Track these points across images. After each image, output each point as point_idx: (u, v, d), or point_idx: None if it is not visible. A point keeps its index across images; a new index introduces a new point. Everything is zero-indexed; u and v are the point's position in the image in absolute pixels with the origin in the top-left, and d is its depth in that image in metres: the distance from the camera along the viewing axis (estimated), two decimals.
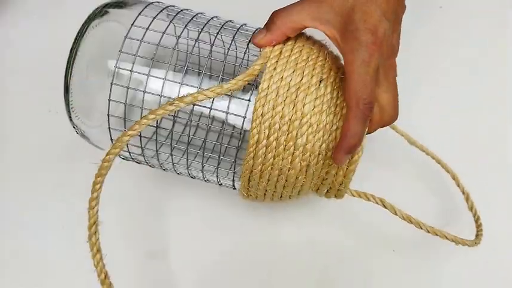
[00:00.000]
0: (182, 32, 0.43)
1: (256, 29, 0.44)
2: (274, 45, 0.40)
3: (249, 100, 0.40)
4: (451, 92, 0.58)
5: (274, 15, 0.40)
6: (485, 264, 0.52)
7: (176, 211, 0.54)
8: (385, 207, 0.42)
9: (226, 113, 0.40)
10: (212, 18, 0.45)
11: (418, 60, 0.56)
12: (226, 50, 0.43)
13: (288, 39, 0.41)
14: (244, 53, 0.42)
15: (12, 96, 0.59)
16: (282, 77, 0.38)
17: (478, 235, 0.46)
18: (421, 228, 0.42)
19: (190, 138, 0.43)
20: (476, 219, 0.47)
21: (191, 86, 0.41)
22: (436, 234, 0.42)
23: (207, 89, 0.38)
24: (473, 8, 0.61)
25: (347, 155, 0.38)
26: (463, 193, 0.49)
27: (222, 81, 0.41)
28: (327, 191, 0.43)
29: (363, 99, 0.36)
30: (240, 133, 0.40)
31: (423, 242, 0.52)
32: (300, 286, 0.51)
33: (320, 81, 0.38)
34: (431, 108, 0.57)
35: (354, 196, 0.43)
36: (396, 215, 0.42)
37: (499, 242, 0.52)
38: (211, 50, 0.42)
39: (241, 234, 0.53)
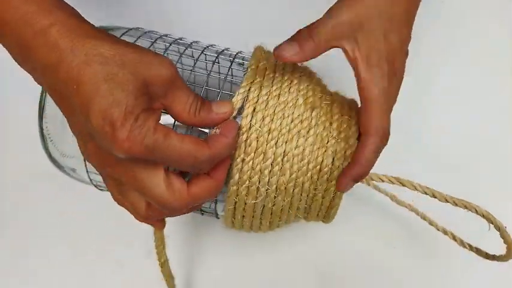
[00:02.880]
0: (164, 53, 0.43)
1: (238, 52, 0.45)
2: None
3: None
4: (454, 85, 0.58)
5: (308, 33, 0.36)
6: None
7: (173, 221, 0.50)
8: (403, 185, 0.38)
9: None
10: (192, 43, 0.45)
11: (420, 55, 0.54)
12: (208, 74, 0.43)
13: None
14: (226, 75, 0.42)
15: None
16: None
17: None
18: (447, 201, 0.37)
19: None
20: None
21: None
22: (466, 207, 0.37)
23: None
24: (476, 2, 0.60)
25: (353, 183, 0.36)
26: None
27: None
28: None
29: (384, 128, 0.35)
30: None
31: (423, 240, 0.52)
32: (301, 283, 0.51)
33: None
34: (433, 103, 0.57)
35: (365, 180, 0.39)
36: (416, 190, 0.37)
37: None
38: (194, 65, 0.42)
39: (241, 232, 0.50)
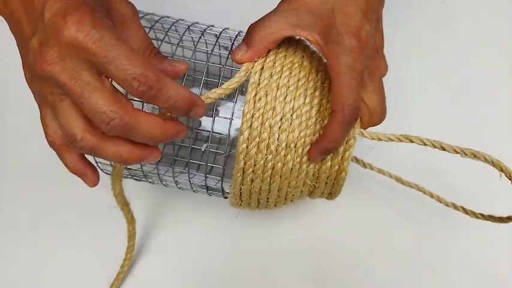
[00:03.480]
0: (164, 37, 0.44)
1: (239, 32, 0.46)
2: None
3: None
4: (454, 87, 0.58)
5: (252, 29, 0.38)
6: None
7: (174, 209, 0.53)
8: (412, 141, 0.38)
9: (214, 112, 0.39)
10: (193, 23, 0.46)
11: (419, 56, 0.56)
12: (209, 54, 0.44)
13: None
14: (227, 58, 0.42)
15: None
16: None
17: None
18: (456, 152, 0.37)
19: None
20: None
21: None
22: (475, 156, 0.37)
23: None
24: (475, 3, 0.61)
25: (322, 156, 0.37)
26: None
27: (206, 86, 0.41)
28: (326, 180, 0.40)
29: (349, 104, 0.34)
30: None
31: (423, 240, 0.52)
32: (299, 284, 0.50)
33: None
34: (432, 105, 0.57)
35: (372, 138, 0.39)
36: (425, 144, 0.37)
37: None
38: (194, 49, 0.42)
39: (240, 231, 0.52)
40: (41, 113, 0.33)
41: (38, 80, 0.31)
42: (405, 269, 0.51)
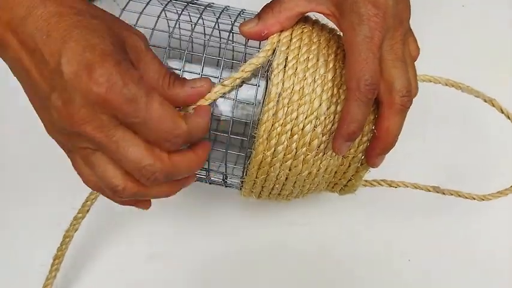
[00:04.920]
0: (177, 22, 0.41)
1: (241, 11, 0.43)
2: (280, 34, 0.37)
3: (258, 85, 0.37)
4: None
5: (267, 6, 0.36)
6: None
7: (175, 210, 0.51)
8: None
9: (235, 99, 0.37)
10: (208, 4, 0.43)
11: (440, 58, 0.53)
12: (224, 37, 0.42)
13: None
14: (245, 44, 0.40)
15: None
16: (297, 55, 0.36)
17: None
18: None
19: None
20: None
21: (192, 72, 0.38)
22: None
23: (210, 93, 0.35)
24: (496, 7, 0.60)
25: (347, 143, 0.34)
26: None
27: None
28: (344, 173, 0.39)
29: (365, 79, 0.32)
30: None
31: (438, 250, 0.51)
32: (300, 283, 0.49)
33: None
34: (451, 107, 0.55)
35: None
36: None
37: None
38: (210, 34, 0.39)
39: (243, 233, 0.51)
40: (71, 160, 0.32)
41: (65, 135, 0.30)
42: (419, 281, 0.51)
